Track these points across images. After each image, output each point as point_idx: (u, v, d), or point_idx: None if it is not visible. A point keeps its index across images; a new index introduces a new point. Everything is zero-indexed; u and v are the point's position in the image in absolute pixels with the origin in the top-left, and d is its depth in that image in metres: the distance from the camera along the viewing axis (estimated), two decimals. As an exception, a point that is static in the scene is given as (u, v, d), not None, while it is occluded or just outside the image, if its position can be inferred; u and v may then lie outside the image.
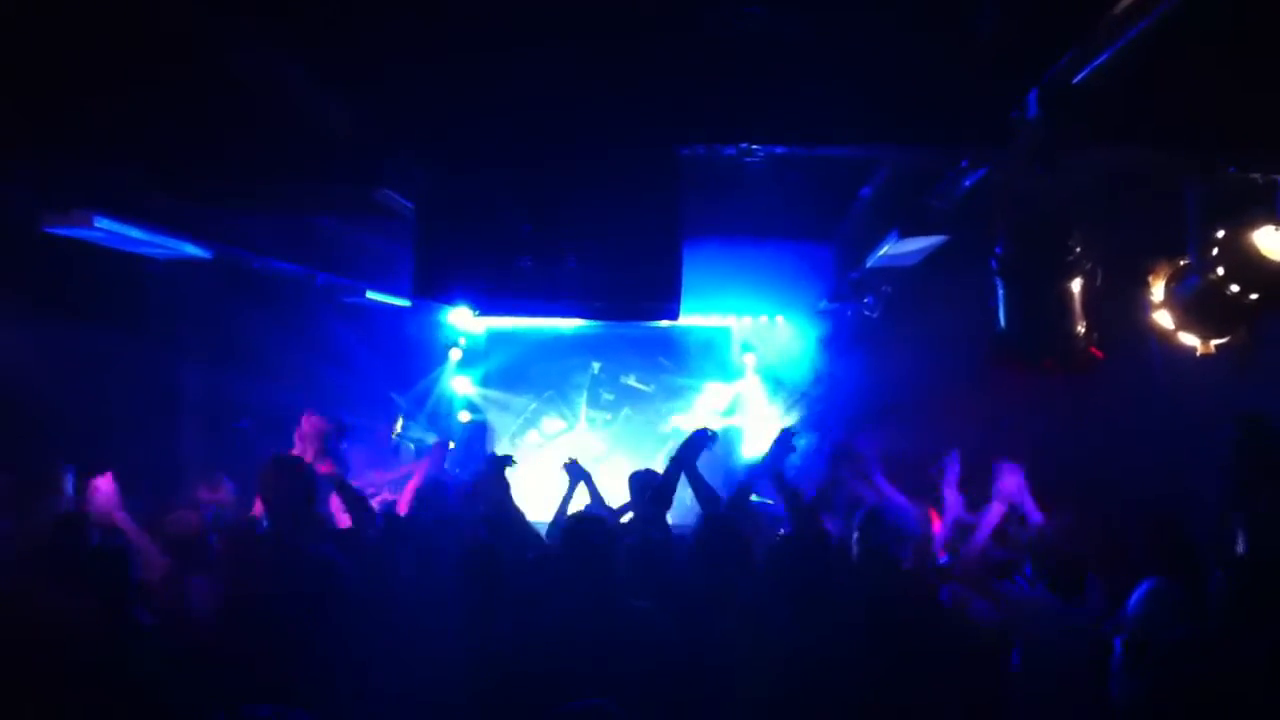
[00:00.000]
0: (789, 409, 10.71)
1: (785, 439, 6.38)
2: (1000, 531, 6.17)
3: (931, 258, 6.54)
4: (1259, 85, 4.24)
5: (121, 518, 5.53)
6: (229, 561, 5.35)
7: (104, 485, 5.63)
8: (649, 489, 6.29)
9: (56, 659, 3.95)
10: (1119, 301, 5.36)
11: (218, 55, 4.13)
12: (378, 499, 7.94)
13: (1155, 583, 4.58)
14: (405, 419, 10.13)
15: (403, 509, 7.00)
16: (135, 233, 5.66)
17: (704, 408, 11.30)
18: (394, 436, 9.79)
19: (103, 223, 5.36)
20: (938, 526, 6.78)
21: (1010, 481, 6.10)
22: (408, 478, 7.82)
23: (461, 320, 10.90)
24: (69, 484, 5.89)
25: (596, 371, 11.51)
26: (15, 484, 5.85)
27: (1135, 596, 4.60)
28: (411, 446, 9.88)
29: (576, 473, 7.02)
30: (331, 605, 4.63)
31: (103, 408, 6.91)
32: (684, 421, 11.23)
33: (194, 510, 5.86)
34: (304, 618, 4.50)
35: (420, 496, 6.53)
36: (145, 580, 4.96)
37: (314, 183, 5.56)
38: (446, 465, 8.92)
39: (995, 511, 5.96)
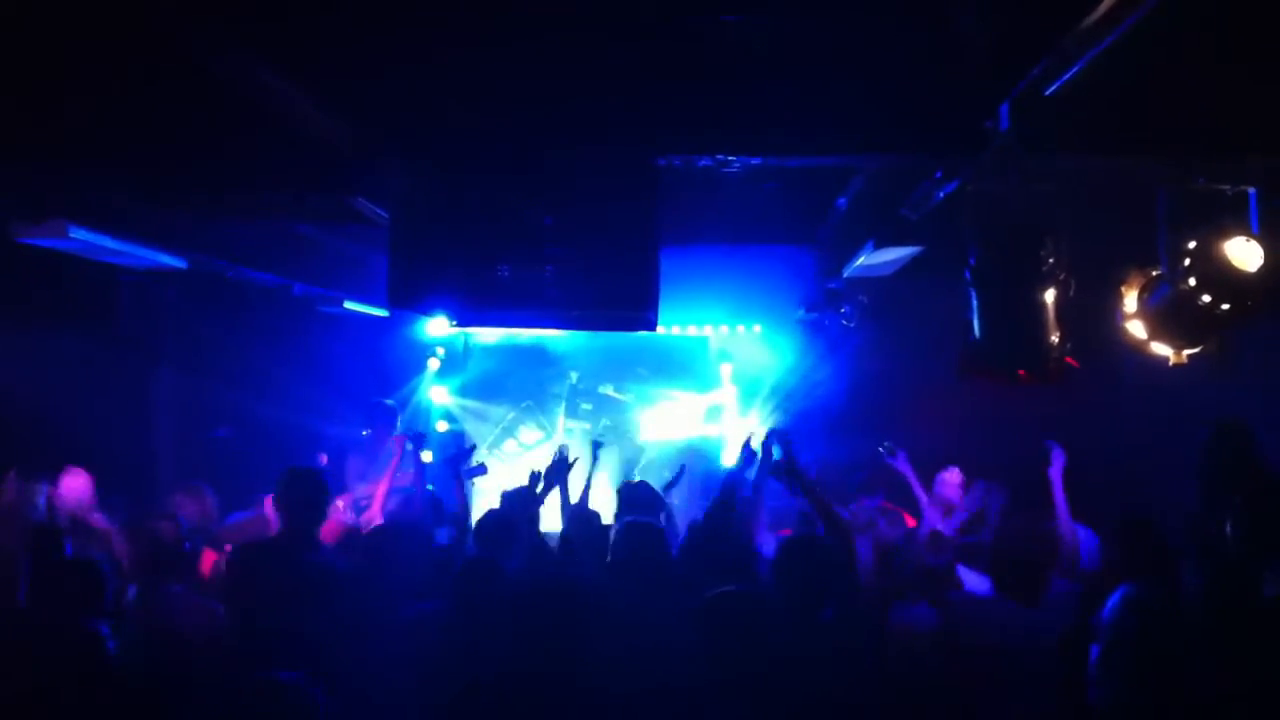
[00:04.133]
0: (765, 418, 10.75)
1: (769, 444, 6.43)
2: (934, 536, 6.20)
3: (908, 268, 6.58)
4: (1230, 96, 4.29)
5: (98, 519, 5.46)
6: (235, 575, 5.29)
7: (73, 482, 5.55)
8: (637, 501, 6.32)
9: (32, 672, 3.91)
10: (1092, 311, 5.40)
11: (193, 61, 4.09)
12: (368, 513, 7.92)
13: (1130, 588, 4.61)
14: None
15: (375, 510, 7.00)
16: (110, 243, 5.63)
17: (681, 417, 11.32)
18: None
19: (78, 233, 5.33)
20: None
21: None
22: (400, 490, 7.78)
23: (439, 330, 10.88)
24: (42, 495, 5.84)
25: (574, 381, 11.49)
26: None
27: (1111, 602, 4.62)
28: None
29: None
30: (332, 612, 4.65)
31: (77, 416, 6.86)
32: (662, 431, 11.27)
33: (170, 519, 5.81)
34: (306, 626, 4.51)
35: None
36: (119, 589, 4.92)
37: (290, 189, 5.55)
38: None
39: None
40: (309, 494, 5.25)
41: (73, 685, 3.91)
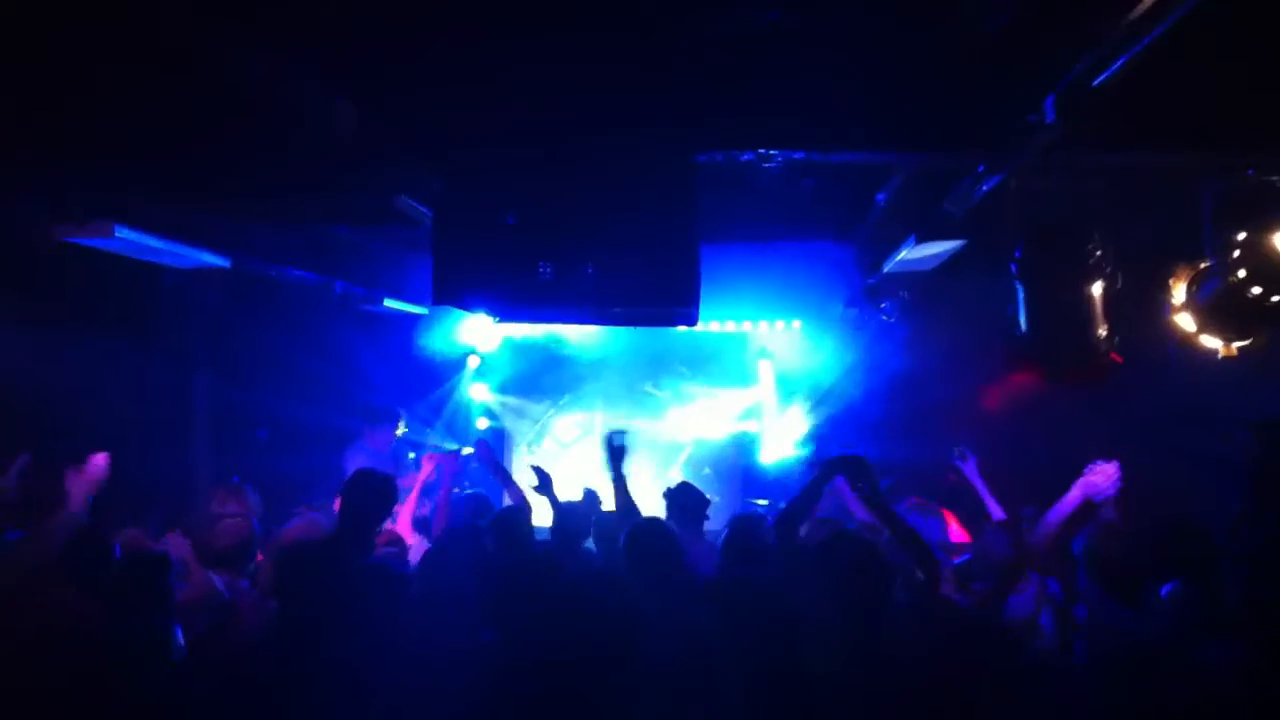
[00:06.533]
0: (805, 415, 10.72)
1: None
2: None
3: (951, 262, 6.52)
4: (1276, 87, 4.23)
5: (175, 544, 5.42)
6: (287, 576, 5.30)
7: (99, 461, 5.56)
8: (687, 504, 6.22)
9: (82, 676, 3.93)
10: (1140, 304, 5.34)
11: (232, 65, 4.10)
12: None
13: (1175, 586, 4.55)
14: (408, 426, 9.95)
15: (404, 518, 6.97)
16: (154, 242, 5.69)
17: (720, 414, 11.30)
18: (393, 443, 9.36)
19: (123, 232, 5.38)
20: (954, 531, 6.76)
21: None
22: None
23: (479, 330, 10.91)
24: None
25: (613, 378, 11.50)
26: (26, 494, 5.84)
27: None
28: (412, 456, 9.73)
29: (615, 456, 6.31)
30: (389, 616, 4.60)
31: (117, 417, 6.91)
32: (701, 428, 11.25)
33: (243, 519, 5.82)
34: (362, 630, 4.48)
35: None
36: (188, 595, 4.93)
37: (331, 192, 5.57)
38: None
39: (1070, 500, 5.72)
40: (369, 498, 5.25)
41: (134, 681, 3.93)
